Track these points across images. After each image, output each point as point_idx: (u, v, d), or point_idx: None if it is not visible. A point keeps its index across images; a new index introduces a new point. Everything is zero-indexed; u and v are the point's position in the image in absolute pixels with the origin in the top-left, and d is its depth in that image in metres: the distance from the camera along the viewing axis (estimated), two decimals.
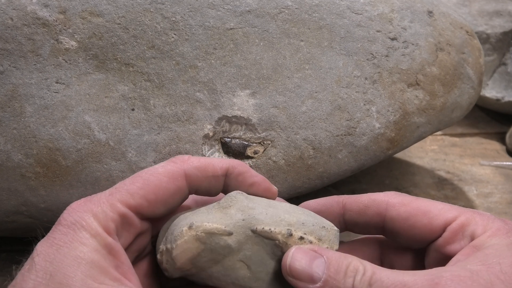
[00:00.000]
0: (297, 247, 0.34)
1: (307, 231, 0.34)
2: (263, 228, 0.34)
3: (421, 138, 0.52)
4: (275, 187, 0.39)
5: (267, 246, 0.34)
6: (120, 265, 0.33)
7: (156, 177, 0.36)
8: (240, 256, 0.34)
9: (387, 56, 0.48)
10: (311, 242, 0.34)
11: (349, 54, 0.47)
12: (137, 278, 0.34)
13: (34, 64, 0.43)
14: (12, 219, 0.45)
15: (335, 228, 0.36)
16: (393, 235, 0.38)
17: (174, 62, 0.45)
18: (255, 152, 0.45)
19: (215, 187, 0.39)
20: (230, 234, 0.34)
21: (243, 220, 0.34)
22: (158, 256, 0.36)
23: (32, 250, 0.31)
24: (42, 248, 0.31)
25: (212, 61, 0.45)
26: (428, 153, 0.74)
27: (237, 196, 0.36)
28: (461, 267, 0.30)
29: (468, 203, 0.62)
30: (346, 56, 0.47)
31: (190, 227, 0.34)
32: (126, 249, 0.35)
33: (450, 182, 0.67)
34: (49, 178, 0.43)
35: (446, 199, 0.63)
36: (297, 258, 0.33)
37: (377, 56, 0.48)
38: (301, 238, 0.34)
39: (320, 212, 0.39)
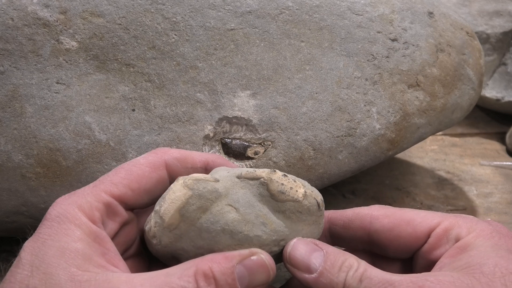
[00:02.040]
0: (298, 239, 0.35)
1: (289, 176, 0.36)
2: (247, 171, 0.35)
3: (421, 139, 0.52)
4: None
5: (253, 187, 0.35)
6: (107, 252, 0.33)
7: (138, 168, 0.37)
8: (228, 200, 0.34)
9: (387, 57, 0.48)
10: (294, 181, 0.35)
11: (350, 55, 0.47)
12: (125, 264, 0.34)
13: (35, 65, 0.43)
14: (12, 219, 0.45)
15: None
16: (380, 247, 0.39)
17: (174, 62, 0.45)
18: (256, 153, 0.45)
19: None
20: (217, 180, 0.35)
21: (228, 172, 0.36)
22: (146, 227, 0.36)
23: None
24: (28, 244, 0.32)
25: (213, 62, 0.45)
26: (428, 153, 0.74)
27: (222, 167, 0.38)
28: (445, 273, 0.32)
29: (468, 203, 0.62)
30: (346, 57, 0.47)
31: (177, 180, 0.35)
32: (113, 239, 0.35)
33: (450, 182, 0.67)
34: (49, 179, 0.43)
35: (446, 199, 0.63)
36: (297, 248, 0.35)
37: (377, 57, 0.48)
38: (285, 175, 0.35)
39: None
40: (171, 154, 0.39)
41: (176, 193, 0.34)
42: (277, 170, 0.35)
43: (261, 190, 0.35)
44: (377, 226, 0.38)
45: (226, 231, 0.34)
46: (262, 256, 0.35)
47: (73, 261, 0.31)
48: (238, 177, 0.35)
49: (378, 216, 0.38)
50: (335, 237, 0.41)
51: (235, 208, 0.34)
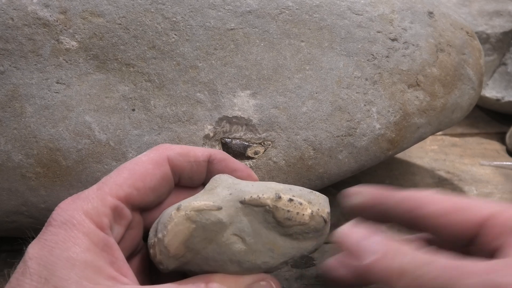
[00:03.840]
0: (347, 225, 0.35)
1: (295, 195, 0.34)
2: (251, 196, 0.34)
3: (421, 139, 0.52)
4: (256, 176, 0.40)
5: (258, 215, 0.34)
6: (115, 261, 0.33)
7: (141, 166, 0.36)
8: (232, 229, 0.34)
9: (387, 57, 0.48)
10: (301, 204, 0.34)
11: (350, 54, 0.47)
12: (133, 274, 0.34)
13: (35, 64, 0.43)
14: (12, 219, 0.45)
15: (323, 195, 0.36)
16: (428, 233, 0.37)
17: (174, 62, 0.44)
18: (256, 153, 0.45)
19: (198, 174, 0.39)
20: (219, 208, 0.33)
21: (230, 194, 0.34)
22: (151, 251, 0.35)
23: (23, 252, 0.31)
24: (34, 251, 0.31)
25: (213, 62, 0.45)
26: (428, 153, 0.74)
27: (221, 177, 0.37)
28: None
29: None
30: (346, 57, 0.47)
31: (178, 209, 0.34)
32: (119, 243, 0.35)
33: (450, 182, 0.67)
34: (49, 178, 0.43)
35: None
36: (351, 235, 0.34)
37: (377, 57, 0.48)
38: (291, 200, 0.34)
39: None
40: (173, 149, 0.38)
41: (179, 226, 0.33)
42: (281, 195, 0.34)
43: (266, 216, 0.34)
44: (427, 211, 0.36)
45: (233, 260, 0.34)
46: (272, 283, 0.35)
47: (83, 273, 0.30)
48: (242, 202, 0.34)
49: (430, 201, 0.36)
50: (375, 218, 0.39)
51: (241, 238, 0.34)
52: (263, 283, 0.34)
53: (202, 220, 0.33)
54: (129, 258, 0.38)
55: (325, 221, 0.35)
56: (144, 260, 0.39)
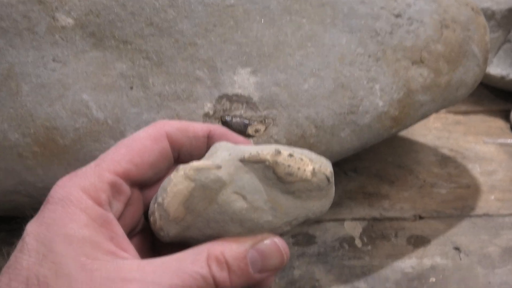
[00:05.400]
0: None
1: (295, 151, 0.34)
2: (250, 153, 0.33)
3: (425, 116, 0.51)
4: None
5: (259, 172, 0.33)
6: (114, 236, 0.32)
7: (139, 142, 0.36)
8: (233, 188, 0.33)
9: (391, 33, 0.47)
10: (302, 160, 0.33)
11: (353, 31, 0.46)
12: (133, 249, 0.33)
13: (30, 42, 0.42)
14: (9, 198, 0.45)
15: (326, 159, 0.35)
16: None
17: (173, 39, 0.44)
18: (256, 131, 0.45)
19: (197, 150, 0.39)
20: (218, 167, 0.33)
21: (230, 154, 0.34)
22: (151, 219, 0.35)
23: (22, 231, 0.31)
24: (31, 228, 0.31)
25: (212, 39, 0.44)
26: (432, 130, 0.73)
27: (221, 143, 0.37)
28: None
29: (471, 181, 0.62)
30: (349, 33, 0.46)
31: (177, 170, 0.34)
32: (119, 220, 0.34)
33: (454, 160, 0.66)
34: (46, 158, 0.43)
35: (450, 177, 0.62)
36: None
37: (381, 33, 0.47)
38: (291, 155, 0.33)
39: None
40: (172, 125, 0.38)
41: (178, 185, 0.33)
42: (281, 150, 0.33)
43: (267, 173, 0.33)
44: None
45: (235, 220, 0.33)
46: (276, 240, 0.34)
47: (81, 249, 0.30)
48: (241, 160, 0.33)
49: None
50: None
51: (241, 195, 0.33)
52: (267, 241, 0.34)
53: (202, 179, 0.33)
54: (130, 236, 0.37)
55: (328, 179, 0.34)
56: (146, 238, 0.39)
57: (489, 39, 0.55)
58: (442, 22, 0.50)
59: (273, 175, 0.33)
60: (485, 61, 0.54)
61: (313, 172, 0.33)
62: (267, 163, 0.33)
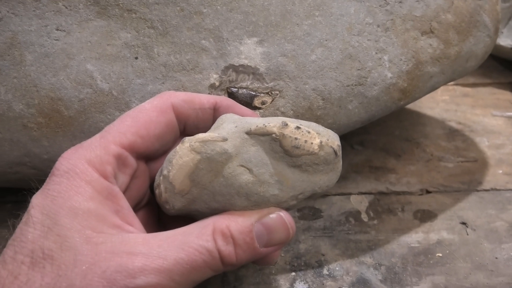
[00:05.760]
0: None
1: (303, 124, 0.33)
2: (256, 126, 0.33)
3: (434, 88, 0.50)
4: None
5: (265, 144, 0.33)
6: (120, 210, 0.32)
7: (144, 113, 0.36)
8: (239, 160, 0.33)
9: (400, 2, 0.46)
10: (309, 132, 0.33)
11: (361, 0, 0.45)
12: (139, 222, 0.33)
13: (34, 10, 0.41)
14: (15, 170, 0.44)
15: (333, 132, 0.35)
16: None
17: (178, 8, 0.43)
18: (263, 103, 0.44)
19: (204, 122, 0.39)
20: (224, 139, 0.33)
21: (236, 127, 0.34)
22: (156, 191, 0.35)
23: (28, 203, 0.31)
24: (37, 200, 0.31)
25: (218, 7, 0.43)
26: (439, 103, 0.72)
27: (227, 115, 0.36)
28: None
29: (479, 155, 0.61)
30: (357, 2, 0.45)
31: (182, 142, 0.33)
32: (125, 193, 0.34)
33: (461, 133, 0.66)
34: (51, 129, 0.42)
35: (457, 150, 0.62)
36: None
37: (390, 3, 0.46)
38: (298, 127, 0.33)
39: None
40: (178, 96, 0.37)
41: (184, 158, 0.33)
42: (288, 122, 0.33)
43: (273, 146, 0.33)
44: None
45: (240, 193, 0.33)
46: (282, 214, 0.34)
47: (87, 222, 0.30)
48: (248, 133, 0.33)
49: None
50: None
51: (248, 168, 0.33)
52: (273, 215, 0.34)
53: (207, 151, 0.32)
54: (136, 209, 0.37)
55: (335, 153, 0.34)
56: (152, 211, 0.39)
57: (500, 9, 0.53)
58: None
59: (279, 148, 0.33)
60: (496, 32, 0.53)
61: (321, 145, 0.33)
62: (273, 135, 0.33)
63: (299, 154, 0.33)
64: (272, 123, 0.33)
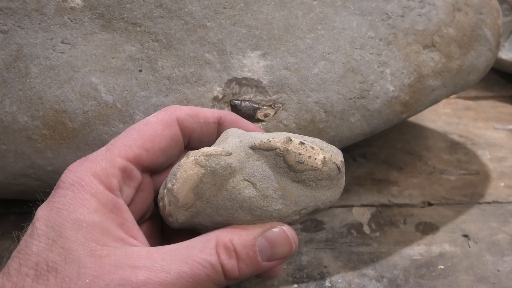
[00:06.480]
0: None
1: (306, 139, 0.34)
2: (261, 141, 0.33)
3: (436, 101, 0.51)
4: None
5: (269, 159, 0.33)
6: (124, 223, 0.32)
7: (150, 127, 0.36)
8: (243, 175, 0.33)
9: (402, 16, 0.47)
10: (312, 148, 0.33)
11: (363, 14, 0.46)
12: (143, 235, 0.33)
13: (39, 24, 0.42)
14: (19, 181, 0.45)
15: (337, 148, 0.36)
16: None
17: (182, 21, 0.43)
18: (266, 115, 0.44)
19: (208, 136, 0.39)
20: (229, 154, 0.33)
21: (240, 141, 0.34)
22: (160, 204, 0.35)
23: (33, 215, 0.31)
24: (42, 213, 0.31)
25: (222, 21, 0.44)
26: (441, 116, 0.73)
27: (231, 130, 0.37)
28: None
29: (481, 168, 0.61)
30: (360, 16, 0.46)
31: (187, 156, 0.34)
32: (129, 206, 0.34)
33: (463, 146, 0.66)
34: (56, 141, 0.43)
35: (459, 163, 0.62)
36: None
37: (392, 16, 0.46)
38: (302, 143, 0.33)
39: None
40: (182, 110, 0.38)
41: (188, 171, 0.33)
42: (292, 138, 0.33)
43: (277, 160, 0.33)
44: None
45: (244, 207, 0.33)
46: (284, 229, 0.34)
47: (91, 235, 0.30)
48: (252, 147, 0.33)
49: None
50: None
51: (251, 183, 0.33)
52: (276, 229, 0.34)
53: (212, 165, 0.33)
54: (140, 222, 0.37)
55: (338, 169, 0.34)
56: (155, 224, 0.39)
57: (501, 23, 0.54)
58: (454, 5, 0.49)
59: (283, 163, 0.33)
60: (497, 45, 0.53)
61: (324, 161, 0.33)
62: (277, 150, 0.33)
63: (302, 170, 0.33)
64: (276, 138, 0.33)
